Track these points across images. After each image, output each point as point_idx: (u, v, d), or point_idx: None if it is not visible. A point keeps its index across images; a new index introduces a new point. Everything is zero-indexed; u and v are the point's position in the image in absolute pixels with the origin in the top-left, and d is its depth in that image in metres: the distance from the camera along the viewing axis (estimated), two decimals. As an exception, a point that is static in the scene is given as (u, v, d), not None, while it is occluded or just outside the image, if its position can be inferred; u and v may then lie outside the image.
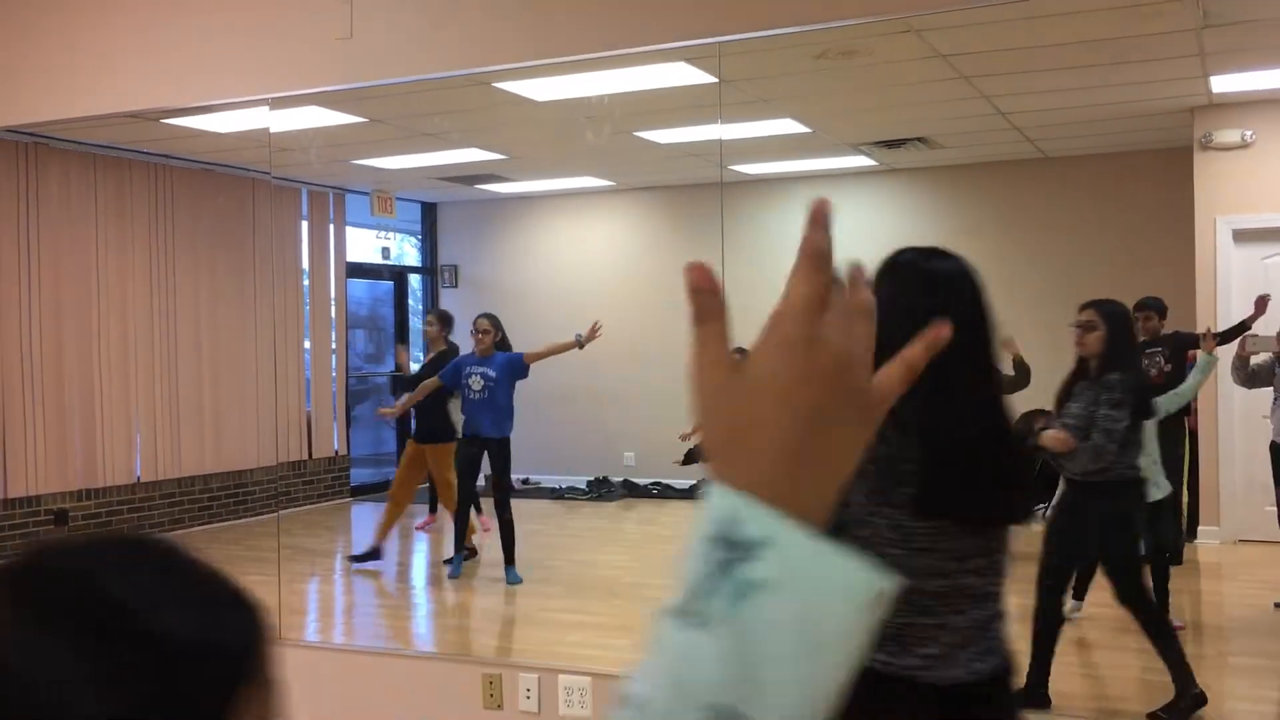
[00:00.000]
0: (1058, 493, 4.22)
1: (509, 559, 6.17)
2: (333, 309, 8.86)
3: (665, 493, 8.12)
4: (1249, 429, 5.66)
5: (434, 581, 6.89)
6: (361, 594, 6.68)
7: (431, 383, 6.81)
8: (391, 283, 9.62)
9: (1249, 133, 5.99)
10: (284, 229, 8.18)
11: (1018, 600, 5.87)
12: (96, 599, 0.70)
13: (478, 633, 5.79)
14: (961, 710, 1.76)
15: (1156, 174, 6.71)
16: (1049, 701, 4.01)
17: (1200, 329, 5.93)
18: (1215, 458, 5.90)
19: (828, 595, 0.52)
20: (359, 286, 9.52)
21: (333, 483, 8.68)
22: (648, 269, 8.38)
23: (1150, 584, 4.30)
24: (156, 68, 4.84)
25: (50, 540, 0.81)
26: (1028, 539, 6.81)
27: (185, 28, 4.78)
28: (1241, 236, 5.99)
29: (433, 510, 7.80)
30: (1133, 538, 4.15)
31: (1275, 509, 5.30)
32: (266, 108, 4.78)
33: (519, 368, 6.37)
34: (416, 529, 7.75)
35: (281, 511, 6.72)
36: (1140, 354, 5.05)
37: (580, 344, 6.30)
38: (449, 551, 6.51)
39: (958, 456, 1.82)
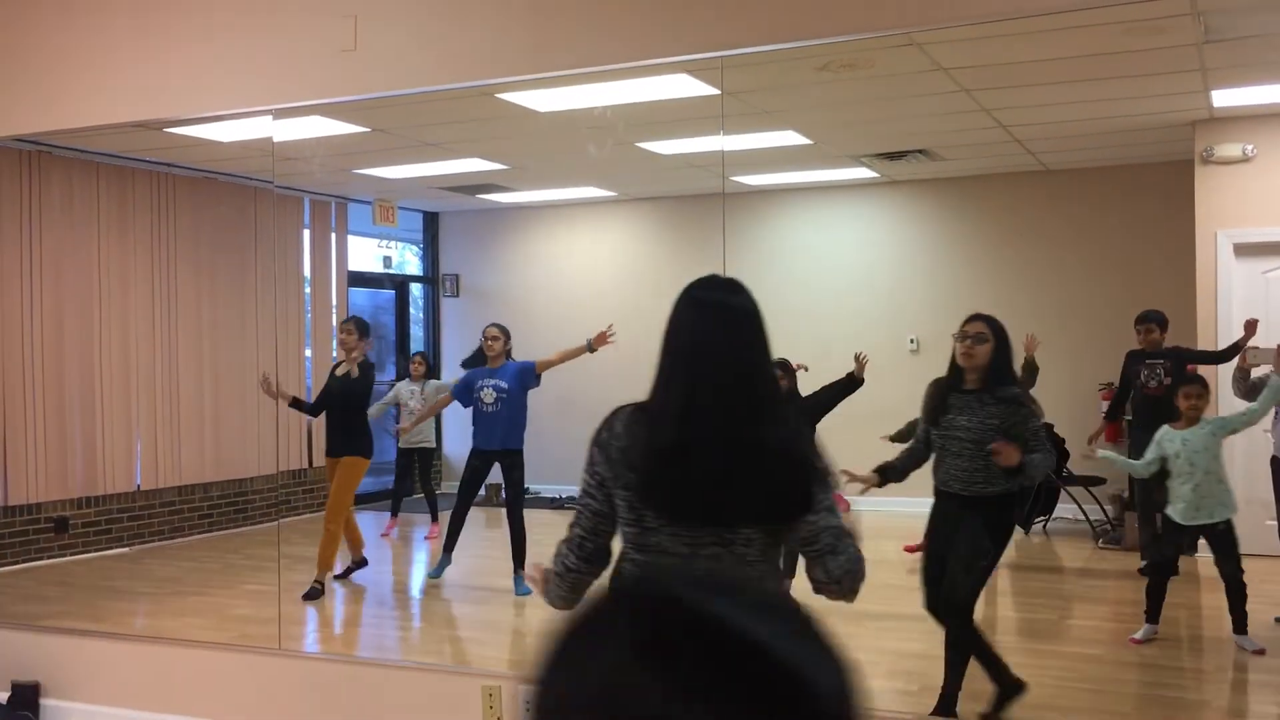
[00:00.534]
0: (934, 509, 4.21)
1: (519, 569, 6.16)
2: (334, 317, 8.86)
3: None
4: (1250, 443, 5.65)
5: (436, 592, 6.88)
6: (363, 604, 6.67)
7: (445, 399, 6.84)
8: (393, 292, 9.63)
9: (1250, 147, 6.00)
10: (286, 237, 8.19)
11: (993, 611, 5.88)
12: (766, 664, 0.64)
13: (482, 644, 5.78)
14: None
15: (1157, 187, 6.72)
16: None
17: (1201, 342, 5.94)
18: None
19: None
20: (360, 295, 9.53)
21: (333, 491, 8.66)
22: (649, 280, 8.38)
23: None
24: (161, 79, 4.85)
25: (671, 584, 0.72)
26: (1027, 550, 6.83)
27: (190, 39, 4.79)
28: (1242, 250, 6.00)
29: (434, 520, 7.80)
30: (992, 550, 4.16)
31: (1276, 523, 5.30)
32: (269, 117, 4.79)
33: (531, 376, 6.27)
34: (425, 539, 7.76)
35: (282, 520, 6.72)
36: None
37: (590, 348, 6.16)
38: (459, 560, 6.49)
39: (662, 458, 2.09)
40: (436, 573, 6.39)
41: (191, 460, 7.92)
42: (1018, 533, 6.86)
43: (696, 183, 7.46)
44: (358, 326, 6.56)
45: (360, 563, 6.60)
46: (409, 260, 9.81)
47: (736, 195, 7.50)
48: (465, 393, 6.40)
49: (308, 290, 8.53)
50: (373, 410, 7.25)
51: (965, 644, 4.09)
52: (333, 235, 8.66)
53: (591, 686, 0.63)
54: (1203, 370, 5.92)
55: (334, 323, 8.84)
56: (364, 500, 8.67)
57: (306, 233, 8.52)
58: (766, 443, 2.06)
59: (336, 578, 6.42)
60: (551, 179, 8.62)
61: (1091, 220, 7.13)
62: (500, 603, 6.13)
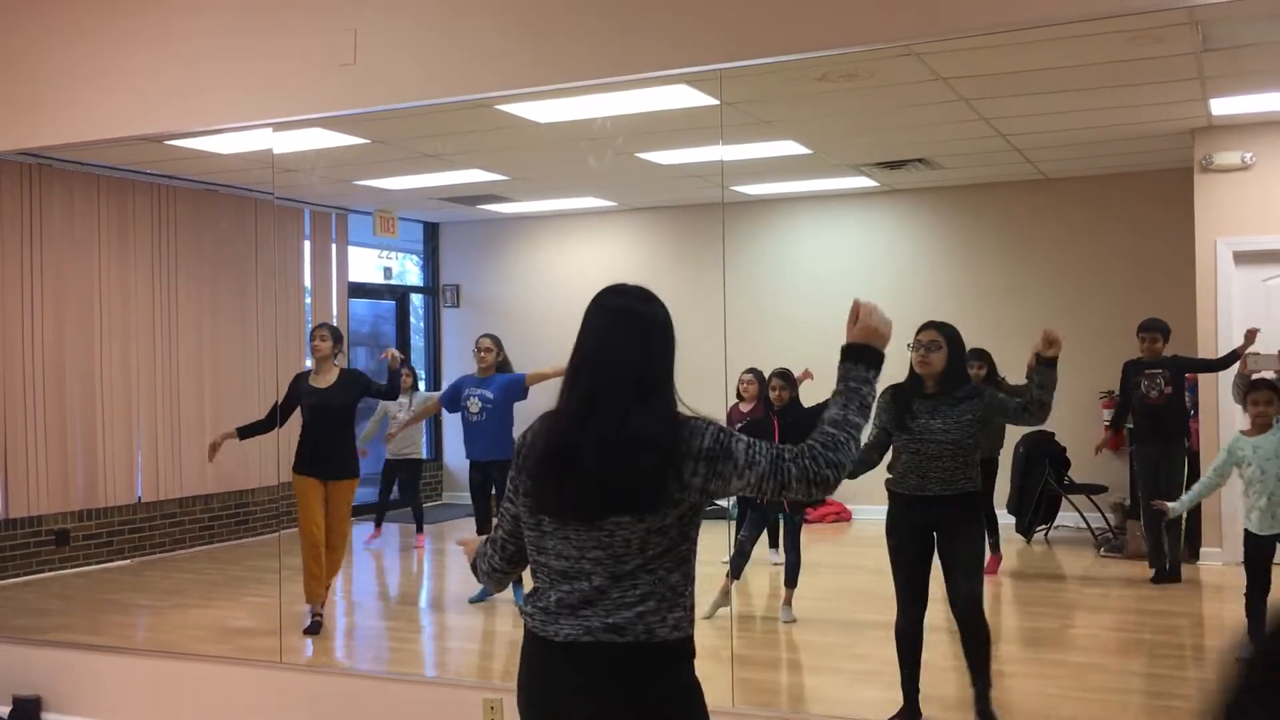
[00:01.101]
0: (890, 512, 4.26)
1: (517, 580, 6.14)
2: (334, 328, 8.86)
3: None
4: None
5: (436, 604, 6.88)
6: (362, 616, 6.66)
7: (432, 405, 6.77)
8: (393, 302, 9.64)
9: (1249, 155, 6.01)
10: (286, 249, 8.19)
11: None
12: None
13: (483, 656, 5.77)
14: (565, 662, 2.16)
15: (1157, 195, 6.73)
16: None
17: (1201, 350, 5.94)
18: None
19: None
20: (361, 306, 9.53)
21: (334, 502, 8.66)
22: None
23: None
24: (162, 93, 4.86)
25: None
26: (1028, 557, 6.82)
27: (191, 54, 4.80)
28: (1242, 258, 6.00)
29: (419, 530, 7.79)
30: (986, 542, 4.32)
31: (1278, 531, 5.29)
32: (269, 129, 4.80)
33: (518, 390, 6.24)
34: (414, 549, 7.75)
35: (282, 531, 6.70)
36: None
37: None
38: (451, 569, 6.48)
39: (546, 462, 2.18)
40: (480, 596, 6.23)
41: (192, 472, 7.91)
42: (1019, 540, 6.89)
43: (696, 192, 7.47)
44: (332, 333, 6.00)
45: (319, 616, 5.69)
46: (409, 271, 9.82)
47: (736, 205, 7.51)
48: (452, 399, 6.39)
49: (308, 301, 8.53)
50: (364, 433, 7.20)
51: (987, 638, 4.15)
52: (333, 246, 8.67)
53: None
54: (1205, 378, 5.92)
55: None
56: (367, 511, 8.68)
57: (307, 244, 8.53)
58: (633, 436, 2.12)
59: (306, 632, 5.53)
60: (551, 189, 8.63)
61: (1091, 228, 7.14)
62: (497, 613, 6.13)
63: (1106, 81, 5.28)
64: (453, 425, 7.29)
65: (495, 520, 2.46)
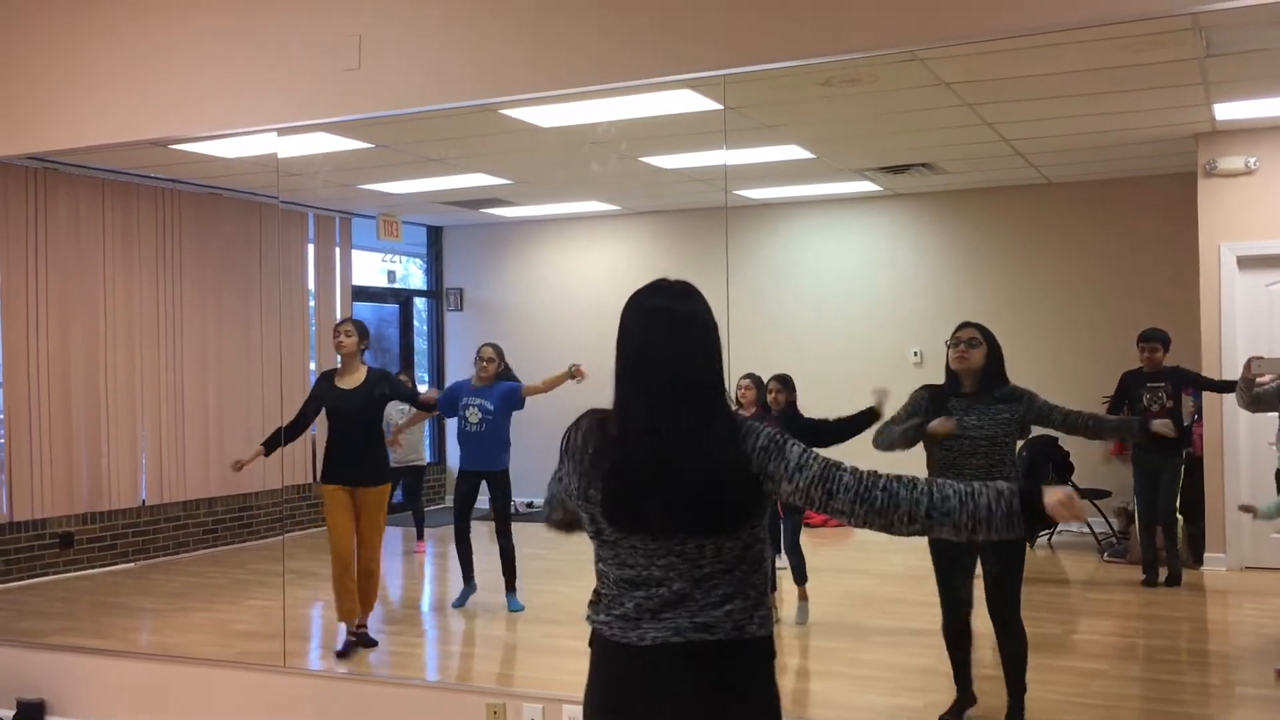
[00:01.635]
0: None
1: (510, 587, 6.14)
2: (338, 332, 8.87)
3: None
4: (1255, 455, 5.65)
5: (437, 609, 6.88)
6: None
7: (430, 396, 6.70)
8: (397, 306, 9.65)
9: (1253, 159, 6.00)
10: (290, 253, 8.21)
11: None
12: None
13: (481, 660, 5.77)
14: (653, 667, 2.11)
15: (1160, 200, 6.72)
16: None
17: (1204, 356, 5.93)
18: (1221, 484, 5.88)
19: None
20: (365, 309, 9.53)
21: (337, 506, 8.66)
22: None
23: None
24: (167, 98, 4.88)
25: None
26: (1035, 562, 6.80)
27: (196, 59, 4.82)
28: (1245, 263, 5.99)
29: (420, 536, 7.79)
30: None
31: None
32: (274, 134, 4.81)
33: (516, 400, 6.21)
34: (414, 553, 7.75)
35: (286, 535, 6.70)
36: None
37: (572, 375, 6.06)
38: (453, 573, 6.48)
39: (624, 475, 2.12)
40: (460, 602, 6.31)
41: (196, 475, 7.93)
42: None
43: (700, 197, 7.48)
44: (357, 327, 5.66)
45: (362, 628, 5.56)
46: (413, 275, 9.83)
47: (739, 209, 7.51)
48: (449, 404, 6.33)
49: (312, 305, 8.54)
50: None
51: (1024, 644, 4.14)
52: (337, 250, 8.68)
53: None
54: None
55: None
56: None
57: (311, 247, 8.54)
58: (702, 457, 2.08)
59: (338, 655, 5.42)
60: (555, 193, 8.63)
61: (1094, 233, 7.13)
62: (498, 618, 6.13)
63: (1110, 86, 5.28)
64: (453, 429, 7.30)
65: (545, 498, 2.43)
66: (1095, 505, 6.85)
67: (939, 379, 4.34)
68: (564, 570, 7.44)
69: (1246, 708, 4.62)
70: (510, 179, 7.86)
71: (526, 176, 7.89)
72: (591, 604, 2.23)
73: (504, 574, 6.14)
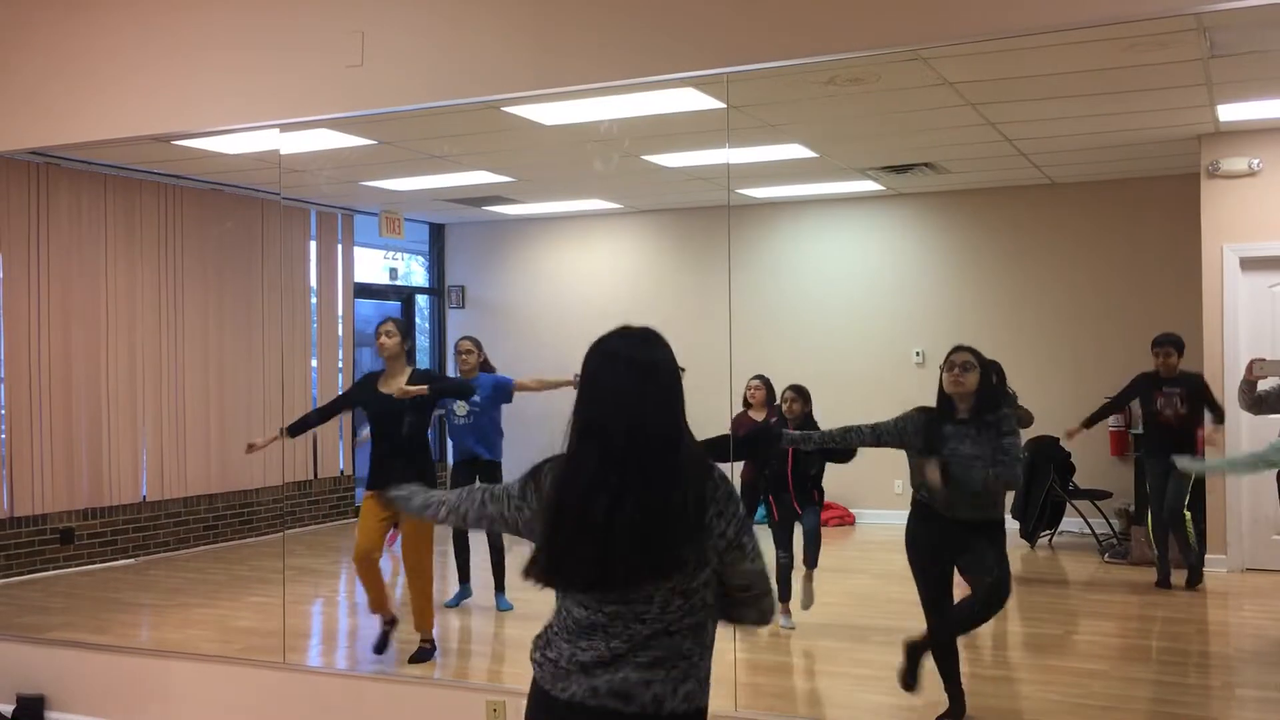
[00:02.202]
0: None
1: (499, 586, 6.13)
2: (340, 328, 8.88)
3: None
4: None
5: (438, 606, 6.86)
6: (365, 618, 6.65)
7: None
8: (399, 303, 9.65)
9: (1256, 161, 6.00)
10: (292, 249, 8.21)
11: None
12: None
13: (476, 658, 5.77)
14: None
15: (1163, 201, 6.71)
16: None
17: (1207, 356, 5.92)
18: (1222, 486, 5.88)
19: None
20: (366, 306, 9.54)
21: (338, 503, 8.68)
22: (654, 291, 8.39)
23: None
24: (171, 94, 4.88)
25: None
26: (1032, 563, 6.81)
27: (199, 55, 4.82)
28: (1248, 264, 5.99)
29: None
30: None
31: (1283, 539, 5.29)
32: (277, 130, 4.82)
33: (505, 392, 6.13)
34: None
35: (287, 531, 6.71)
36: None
37: (574, 383, 5.96)
38: (452, 570, 6.47)
39: (559, 528, 2.08)
40: (454, 602, 6.28)
41: (197, 472, 7.93)
42: (1023, 546, 6.87)
43: (702, 195, 7.47)
44: (399, 327, 5.25)
45: (392, 622, 5.37)
46: (415, 272, 9.83)
47: (742, 208, 7.51)
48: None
49: (314, 301, 8.55)
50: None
51: (999, 603, 4.19)
52: (339, 247, 8.69)
53: None
54: (1215, 386, 5.90)
55: (339, 334, 8.86)
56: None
57: (313, 244, 8.55)
58: (651, 497, 2.03)
59: (375, 650, 5.27)
60: (557, 191, 8.63)
61: (1097, 234, 7.12)
62: (498, 616, 6.13)
63: (1113, 87, 5.27)
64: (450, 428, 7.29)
65: (481, 495, 2.32)
66: (1096, 506, 6.85)
67: (938, 379, 4.33)
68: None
69: (1247, 709, 4.61)
70: (513, 176, 7.86)
71: (529, 174, 7.89)
72: (537, 637, 2.21)
73: (494, 571, 6.14)
